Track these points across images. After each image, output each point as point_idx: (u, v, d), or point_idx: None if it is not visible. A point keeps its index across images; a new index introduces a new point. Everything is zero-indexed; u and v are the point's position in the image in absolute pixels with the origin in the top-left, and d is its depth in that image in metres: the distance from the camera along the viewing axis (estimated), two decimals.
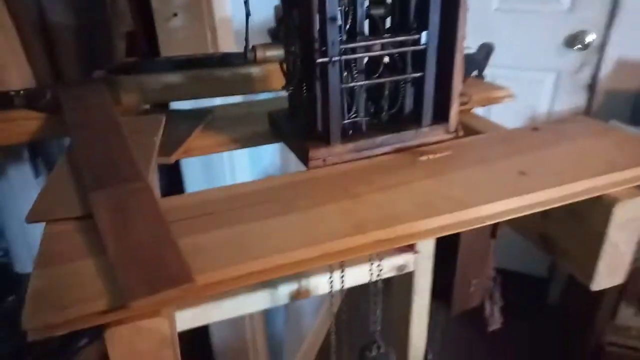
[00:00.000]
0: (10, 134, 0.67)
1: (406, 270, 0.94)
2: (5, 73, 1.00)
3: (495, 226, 0.99)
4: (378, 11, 0.56)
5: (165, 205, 0.46)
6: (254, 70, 0.83)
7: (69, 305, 0.35)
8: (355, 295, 1.25)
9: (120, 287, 0.35)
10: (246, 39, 0.52)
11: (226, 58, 0.86)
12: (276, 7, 0.98)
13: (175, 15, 1.19)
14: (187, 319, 0.74)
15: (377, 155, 0.56)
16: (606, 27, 1.79)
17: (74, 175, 0.51)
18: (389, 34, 0.54)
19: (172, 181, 1.34)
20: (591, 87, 1.90)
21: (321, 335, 2.10)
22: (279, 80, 0.85)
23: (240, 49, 0.54)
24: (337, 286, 0.78)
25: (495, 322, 1.05)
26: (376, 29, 0.56)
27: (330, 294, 0.77)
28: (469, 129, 0.64)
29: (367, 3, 0.54)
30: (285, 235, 0.42)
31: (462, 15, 0.53)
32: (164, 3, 1.19)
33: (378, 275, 0.77)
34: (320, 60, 0.50)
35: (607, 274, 0.50)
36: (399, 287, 1.06)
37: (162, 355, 0.38)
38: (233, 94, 0.87)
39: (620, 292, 1.41)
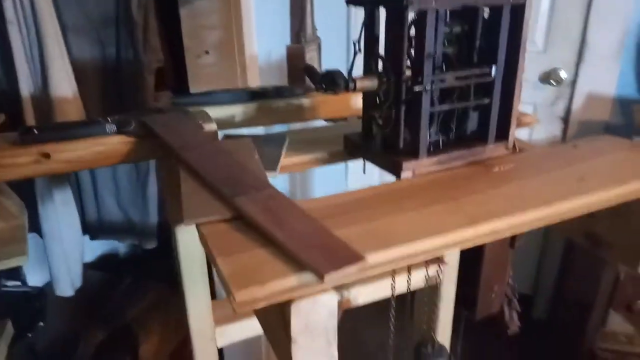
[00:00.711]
0: (107, 156, 0.73)
1: (435, 281, 1.03)
2: (66, 105, 1.05)
3: (514, 237, 1.11)
4: (451, 49, 0.68)
5: (303, 207, 0.54)
6: (305, 101, 0.93)
7: (267, 281, 0.42)
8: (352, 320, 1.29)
9: (310, 266, 0.43)
10: (349, 72, 0.62)
11: (279, 90, 0.96)
12: (288, 47, 1.10)
13: (207, 52, 1.28)
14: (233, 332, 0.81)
15: (454, 168, 0.66)
16: (576, 65, 1.99)
17: (202, 186, 0.58)
18: (460, 67, 0.66)
19: None
20: (565, 119, 2.08)
21: None
22: (325, 109, 0.96)
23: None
24: (385, 293, 0.85)
25: (514, 325, 1.15)
26: (449, 64, 0.67)
27: (392, 298, 0.85)
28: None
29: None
30: (412, 227, 0.51)
31: (522, 53, 0.65)
32: (196, 42, 1.28)
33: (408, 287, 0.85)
34: (417, 89, 0.60)
35: None
36: (424, 296, 1.14)
37: (329, 324, 0.46)
38: (288, 122, 0.96)
39: (608, 300, 1.54)
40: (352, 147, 0.74)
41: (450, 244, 0.49)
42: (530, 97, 2.06)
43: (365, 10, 0.67)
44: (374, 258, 0.46)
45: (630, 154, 0.67)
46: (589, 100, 1.98)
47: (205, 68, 1.31)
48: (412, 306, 1.12)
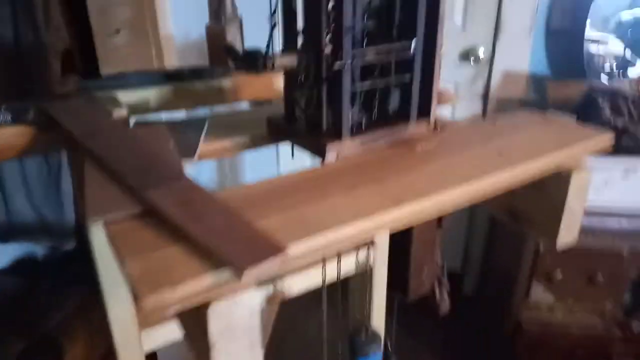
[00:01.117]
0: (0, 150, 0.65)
1: (366, 266, 1.02)
2: None
3: (440, 217, 1.13)
4: (369, 23, 0.66)
5: (222, 198, 0.50)
6: (226, 83, 0.88)
7: (180, 282, 0.38)
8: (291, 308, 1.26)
9: (228, 262, 0.40)
10: (267, 50, 0.58)
11: (198, 72, 0.90)
12: (207, 27, 1.04)
13: (117, 31, 1.19)
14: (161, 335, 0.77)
15: (378, 148, 0.65)
16: (492, 44, 2.06)
17: (109, 179, 0.53)
18: (380, 43, 0.64)
19: None
20: (485, 96, 2.16)
21: None
22: (247, 91, 0.91)
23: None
24: (315, 282, 0.84)
25: (445, 305, 1.18)
26: (370, 40, 0.65)
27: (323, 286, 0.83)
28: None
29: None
30: (338, 212, 0.49)
31: (441, 28, 0.64)
32: (104, 19, 1.18)
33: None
34: (337, 66, 0.58)
35: (567, 233, 0.64)
36: (357, 281, 1.13)
37: (252, 324, 0.43)
38: (208, 105, 0.91)
39: (530, 272, 1.62)
40: (276, 130, 0.71)
41: (377, 226, 0.47)
42: (451, 76, 2.11)
43: None
44: (298, 248, 0.43)
45: (544, 127, 0.69)
46: (505, 77, 2.06)
47: (117, 49, 1.22)
48: (346, 293, 1.12)
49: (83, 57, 1.28)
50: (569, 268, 1.59)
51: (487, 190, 0.55)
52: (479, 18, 2.00)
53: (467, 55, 2.08)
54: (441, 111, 0.73)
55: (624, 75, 1.96)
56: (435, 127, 0.70)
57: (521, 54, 2.00)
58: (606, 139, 0.65)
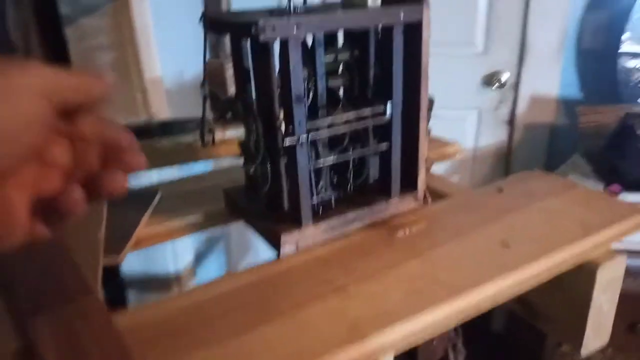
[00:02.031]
0: None
1: None
2: None
3: None
4: (336, 82, 0.54)
5: (121, 324, 0.39)
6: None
7: None
8: None
9: None
10: (202, 120, 0.47)
11: (166, 126, 0.80)
12: (207, 62, 0.94)
13: None
14: None
15: (350, 233, 0.52)
16: (518, 67, 1.92)
17: (3, 295, 0.43)
18: (350, 106, 0.52)
19: None
20: (510, 122, 2.01)
21: None
22: (223, 147, 0.80)
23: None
24: None
25: None
26: (336, 101, 0.53)
27: None
28: (430, 191, 0.62)
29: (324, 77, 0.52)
30: (272, 352, 0.36)
31: (425, 83, 0.52)
32: (85, 65, 1.11)
33: None
34: (287, 142, 0.46)
35: (594, 336, 0.50)
36: None
37: None
38: (176, 164, 0.80)
39: None
40: (233, 207, 0.59)
41: None
42: (473, 102, 1.97)
43: (230, 39, 0.52)
44: None
45: (565, 201, 0.55)
46: (533, 102, 1.91)
47: None
48: None
49: None
50: None
51: (484, 303, 0.42)
52: (502, 40, 1.87)
53: (490, 80, 1.94)
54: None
55: None
56: (424, 200, 0.57)
57: (550, 76, 1.85)
58: None
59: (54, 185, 0.28)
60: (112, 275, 1.22)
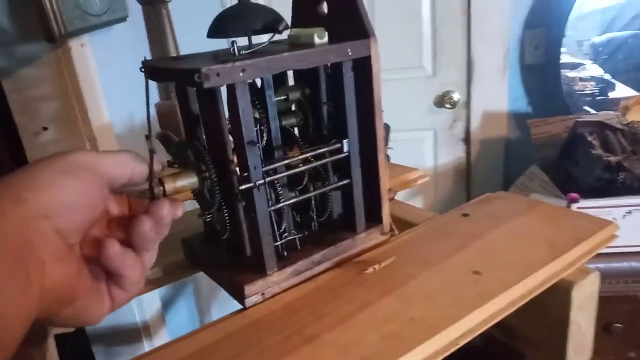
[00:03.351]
0: None
1: None
2: None
3: None
4: (290, 121, 0.53)
5: None
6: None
7: None
8: None
9: None
10: (150, 174, 0.44)
11: None
12: (157, 105, 0.91)
13: (45, 129, 1.06)
14: None
15: (318, 274, 0.50)
16: (467, 86, 1.97)
17: None
18: (306, 145, 0.51)
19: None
20: (466, 140, 2.05)
21: None
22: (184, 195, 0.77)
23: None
24: None
25: None
26: (291, 140, 0.51)
27: None
28: (396, 220, 0.61)
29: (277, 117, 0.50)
30: None
31: (379, 116, 0.51)
32: (29, 117, 1.06)
33: None
34: (243, 187, 0.44)
35: (576, 355, 0.49)
36: None
37: None
38: None
39: None
40: (193, 256, 0.56)
41: None
42: (428, 122, 2.01)
43: (175, 86, 0.50)
44: None
45: (528, 219, 0.55)
46: (485, 118, 1.97)
47: (46, 146, 1.09)
48: None
49: (12, 156, 1.16)
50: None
51: (462, 338, 0.40)
52: (449, 62, 1.93)
53: (442, 100, 1.99)
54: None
55: (606, 101, 1.86)
56: (391, 232, 0.56)
57: (498, 93, 1.91)
58: (610, 230, 0.50)
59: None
60: (74, 333, 1.14)
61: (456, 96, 1.95)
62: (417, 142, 2.04)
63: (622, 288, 1.42)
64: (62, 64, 1.05)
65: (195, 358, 0.39)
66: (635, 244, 1.43)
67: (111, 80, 1.15)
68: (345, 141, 0.49)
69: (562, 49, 1.79)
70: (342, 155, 0.50)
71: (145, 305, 1.20)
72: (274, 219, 0.49)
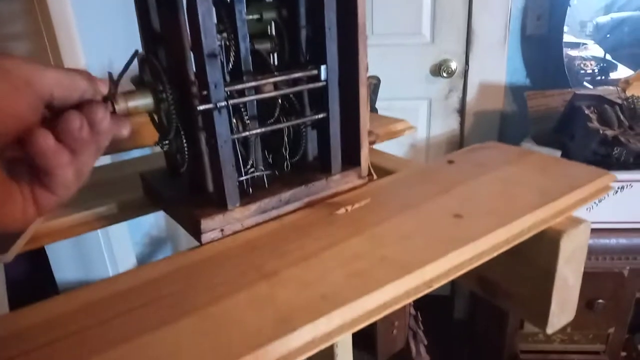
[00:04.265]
0: None
1: None
2: None
3: None
4: (264, 45, 0.47)
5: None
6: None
7: None
8: None
9: None
10: (115, 83, 0.39)
11: None
12: (137, 52, 0.85)
13: None
14: None
15: (286, 214, 0.46)
16: (465, 55, 1.92)
17: None
18: (281, 71, 0.46)
19: (37, 266, 1.11)
20: (461, 111, 2.01)
21: None
22: (151, 134, 0.72)
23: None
24: None
25: None
26: (265, 66, 0.46)
27: None
28: (378, 169, 0.57)
29: (248, 37, 0.45)
30: (184, 354, 0.29)
31: (363, 43, 0.46)
32: None
33: None
34: (202, 107, 0.39)
35: (560, 311, 0.45)
36: None
37: None
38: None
39: None
40: (151, 193, 0.51)
41: None
42: (424, 92, 1.96)
43: None
44: None
45: (520, 169, 0.51)
46: (481, 89, 1.91)
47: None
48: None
49: None
50: None
51: (437, 280, 0.36)
52: (448, 30, 1.86)
53: (438, 69, 1.93)
54: (402, 140, 0.55)
55: (606, 81, 1.82)
56: (369, 176, 0.51)
57: (497, 64, 1.86)
58: (605, 180, 0.46)
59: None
60: (46, 288, 1.11)
61: (453, 65, 1.89)
62: (411, 111, 1.98)
63: (608, 265, 1.41)
64: (35, 1, 0.98)
65: (136, 292, 0.35)
66: (624, 221, 1.41)
67: (89, 21, 1.08)
68: (323, 67, 0.44)
69: (565, 28, 1.73)
70: (319, 84, 0.45)
71: (119, 262, 1.17)
72: (239, 152, 0.45)
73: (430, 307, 2.06)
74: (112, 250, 1.14)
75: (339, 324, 0.31)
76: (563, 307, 0.45)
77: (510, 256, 0.46)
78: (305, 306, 0.32)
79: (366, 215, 0.44)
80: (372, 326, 0.97)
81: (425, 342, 1.01)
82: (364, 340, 0.98)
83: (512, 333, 1.53)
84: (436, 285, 0.35)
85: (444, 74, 1.91)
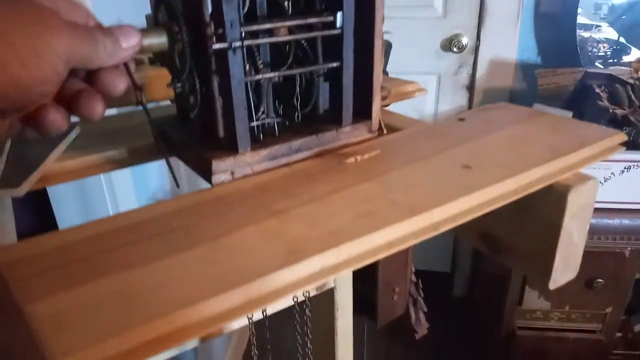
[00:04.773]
0: None
1: (327, 287, 0.84)
2: None
3: None
4: None
5: (8, 258, 0.31)
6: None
7: None
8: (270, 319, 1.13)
9: None
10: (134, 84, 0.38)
11: None
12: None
13: None
14: None
15: (295, 162, 0.46)
16: (477, 30, 1.89)
17: None
18: (296, 17, 0.45)
19: (42, 217, 1.12)
20: (470, 88, 1.99)
21: None
22: (161, 88, 0.72)
23: None
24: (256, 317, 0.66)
25: (422, 328, 1.00)
26: (280, 12, 0.46)
27: (251, 329, 0.65)
28: (388, 128, 0.57)
29: None
30: (192, 279, 0.30)
31: None
32: None
33: (305, 301, 0.66)
34: (217, 46, 0.39)
35: (564, 268, 0.45)
36: (319, 305, 0.96)
37: None
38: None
39: (524, 278, 1.47)
40: (162, 139, 0.52)
41: (244, 304, 0.29)
42: (433, 67, 1.94)
43: None
44: (88, 357, 0.25)
45: (531, 127, 0.51)
46: (492, 67, 1.89)
47: None
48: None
49: None
50: None
51: (444, 224, 0.37)
52: (461, 3, 1.83)
53: (449, 44, 1.91)
54: (417, 106, 0.55)
55: (619, 64, 1.79)
56: (379, 131, 0.51)
57: (508, 40, 1.83)
58: (616, 139, 0.46)
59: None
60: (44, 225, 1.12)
61: (465, 40, 1.86)
62: None
63: (609, 244, 1.41)
64: None
65: (146, 225, 0.36)
66: (628, 201, 1.41)
67: None
68: (339, 14, 0.44)
69: (579, 9, 1.70)
70: (335, 31, 0.45)
71: (120, 204, 1.16)
72: (251, 97, 0.45)
73: (431, 283, 2.09)
74: (119, 210, 1.14)
75: (346, 257, 0.32)
76: (567, 264, 0.46)
77: (516, 211, 0.47)
78: (314, 239, 0.32)
79: (376, 165, 0.44)
80: (373, 292, 0.98)
81: (425, 309, 1.02)
82: (364, 305, 0.99)
83: (510, 310, 1.54)
84: (443, 229, 0.36)
85: (455, 49, 1.89)
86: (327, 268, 0.31)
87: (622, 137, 0.46)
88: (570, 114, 1.29)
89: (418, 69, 1.97)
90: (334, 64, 0.47)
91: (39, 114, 0.32)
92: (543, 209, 0.44)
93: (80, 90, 0.33)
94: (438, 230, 0.35)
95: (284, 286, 0.30)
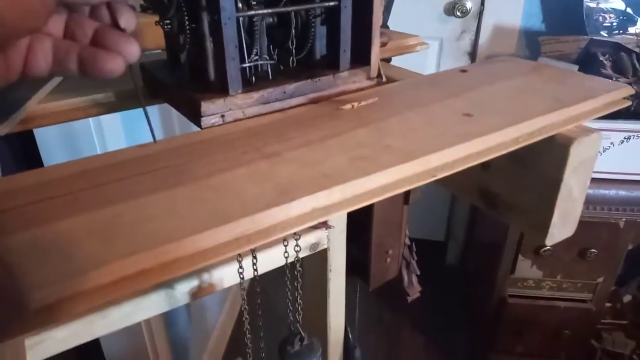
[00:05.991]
0: None
1: (320, 248, 0.84)
2: None
3: (408, 192, 0.93)
4: None
5: None
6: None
7: None
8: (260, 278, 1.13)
9: None
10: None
11: None
12: None
13: None
14: (63, 338, 0.57)
15: (289, 108, 0.44)
16: None
17: None
18: None
19: (29, 161, 1.10)
20: (472, 54, 1.95)
21: (229, 327, 1.96)
22: (152, 37, 0.69)
23: None
24: (247, 275, 0.65)
25: (414, 291, 1.00)
26: None
27: (241, 285, 0.64)
28: (388, 80, 0.54)
29: None
30: (180, 214, 0.29)
31: None
32: None
33: (296, 258, 0.66)
34: None
35: (561, 223, 0.44)
36: (311, 267, 0.96)
37: None
38: None
39: (517, 247, 1.47)
40: (151, 83, 0.50)
41: (232, 241, 0.27)
42: (435, 32, 1.90)
43: None
44: (67, 288, 0.24)
45: (535, 79, 0.49)
46: (495, 32, 1.85)
47: None
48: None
49: None
50: (558, 242, 1.43)
51: (441, 169, 0.35)
52: None
53: (452, 8, 1.86)
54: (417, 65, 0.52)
55: (625, 34, 1.75)
56: (378, 78, 0.49)
57: (513, 6, 1.78)
58: (622, 92, 0.44)
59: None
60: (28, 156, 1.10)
61: (469, 4, 1.82)
62: (420, 52, 1.93)
63: (605, 215, 1.41)
64: None
65: (131, 164, 0.34)
66: (627, 172, 1.40)
67: None
68: None
69: None
70: None
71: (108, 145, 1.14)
72: (243, 36, 0.42)
73: (425, 252, 2.10)
74: (103, 138, 1.12)
75: (339, 199, 0.31)
76: (565, 220, 0.45)
77: (515, 165, 0.45)
78: (306, 181, 0.31)
79: (373, 112, 0.42)
80: (366, 254, 0.97)
81: (418, 272, 1.02)
82: (357, 267, 0.99)
83: (502, 278, 1.55)
84: (440, 175, 0.34)
85: (458, 13, 1.84)
86: (319, 209, 0.30)
87: (628, 90, 0.44)
88: (576, 67, 1.25)
89: (420, 33, 1.91)
90: (332, 3, 0.44)
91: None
92: (544, 162, 0.43)
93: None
94: (435, 177, 0.34)
95: (274, 225, 0.29)
